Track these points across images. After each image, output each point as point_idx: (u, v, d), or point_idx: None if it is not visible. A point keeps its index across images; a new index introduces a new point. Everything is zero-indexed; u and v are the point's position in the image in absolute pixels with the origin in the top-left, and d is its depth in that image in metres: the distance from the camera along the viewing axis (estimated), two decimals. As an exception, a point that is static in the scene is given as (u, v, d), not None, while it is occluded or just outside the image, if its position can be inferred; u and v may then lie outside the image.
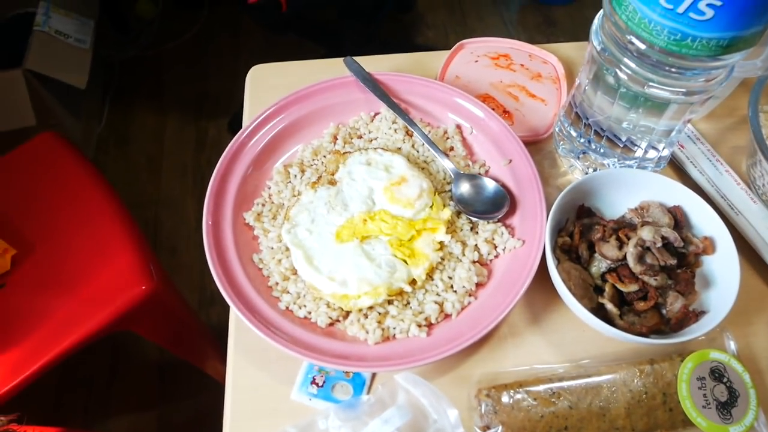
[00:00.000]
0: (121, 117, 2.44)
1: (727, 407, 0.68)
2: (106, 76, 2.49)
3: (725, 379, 0.70)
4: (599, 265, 0.75)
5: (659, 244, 0.71)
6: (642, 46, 0.65)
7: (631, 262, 0.71)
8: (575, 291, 0.72)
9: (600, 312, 0.72)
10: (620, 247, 0.73)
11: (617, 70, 0.70)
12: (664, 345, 0.68)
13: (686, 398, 0.68)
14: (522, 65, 0.94)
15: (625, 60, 0.68)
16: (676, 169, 0.89)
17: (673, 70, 0.66)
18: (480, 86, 0.91)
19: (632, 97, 0.71)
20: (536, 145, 0.88)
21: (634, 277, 0.72)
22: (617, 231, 0.75)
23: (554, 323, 0.76)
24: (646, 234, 0.72)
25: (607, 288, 0.73)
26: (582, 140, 0.81)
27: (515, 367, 0.72)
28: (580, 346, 0.74)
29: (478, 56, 0.95)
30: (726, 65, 0.66)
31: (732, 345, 0.72)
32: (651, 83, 0.68)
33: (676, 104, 0.70)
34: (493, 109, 0.87)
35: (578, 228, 0.76)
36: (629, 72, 0.69)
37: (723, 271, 0.74)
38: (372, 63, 0.95)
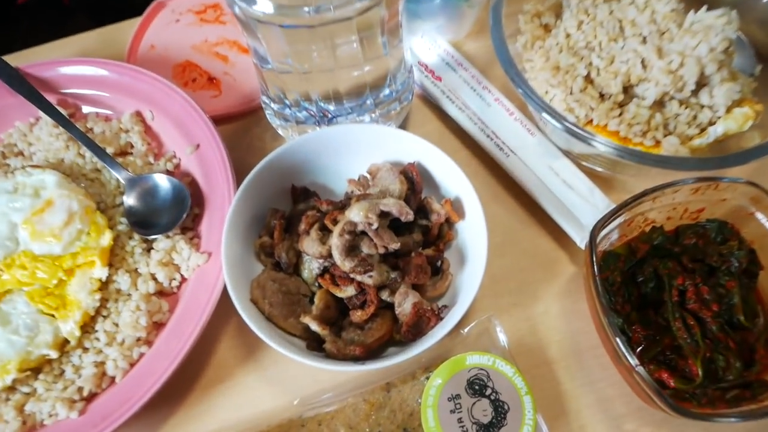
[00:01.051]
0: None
1: (492, 429, 0.49)
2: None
3: (488, 392, 0.50)
4: (310, 267, 0.55)
5: (375, 226, 0.51)
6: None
7: (336, 257, 0.51)
8: (273, 312, 0.52)
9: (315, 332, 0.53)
10: (324, 240, 0.53)
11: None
12: (385, 369, 0.49)
13: (433, 430, 0.49)
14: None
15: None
16: (435, 110, 0.68)
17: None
18: (179, 53, 0.70)
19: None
20: (254, 115, 0.67)
21: (348, 279, 0.52)
22: (324, 217, 0.54)
23: (273, 354, 0.56)
24: (354, 215, 0.52)
25: (317, 299, 0.53)
26: (276, 102, 0.60)
27: (224, 424, 0.53)
28: (308, 378, 0.55)
29: (181, 13, 0.73)
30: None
31: (502, 337, 0.53)
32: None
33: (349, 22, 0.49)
34: (195, 80, 0.67)
35: (279, 223, 0.56)
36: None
37: (473, 241, 0.54)
38: (53, 50, 0.75)
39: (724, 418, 0.45)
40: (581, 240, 0.57)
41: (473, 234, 0.54)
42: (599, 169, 0.60)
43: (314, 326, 0.51)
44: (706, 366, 0.48)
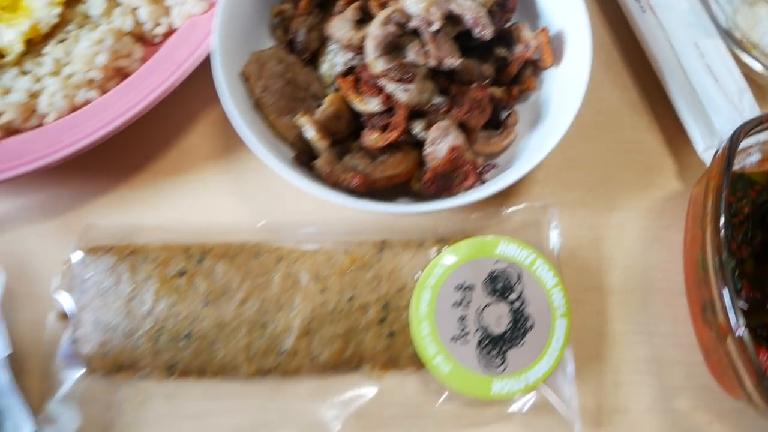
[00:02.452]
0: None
1: (500, 345, 0.36)
2: None
3: (513, 296, 0.36)
4: (334, 61, 0.40)
5: (435, 27, 0.36)
6: None
7: (369, 50, 0.36)
8: (265, 99, 0.38)
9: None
10: (361, 26, 0.38)
11: None
12: (384, 219, 0.35)
13: (423, 319, 0.36)
14: None
15: None
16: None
17: None
18: None
19: None
20: None
21: (380, 89, 0.37)
22: (372, -4, 0.39)
23: (255, 169, 0.42)
24: (412, 4, 0.36)
25: (327, 101, 0.38)
26: None
27: (166, 223, 0.40)
28: (286, 203, 0.41)
29: None
30: None
31: (554, 237, 0.38)
32: None
33: None
34: None
35: (312, -13, 0.40)
36: None
37: (560, 99, 0.38)
38: None
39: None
40: (706, 149, 0.41)
41: (563, 90, 0.38)
42: (762, 69, 0.43)
43: (311, 132, 0.36)
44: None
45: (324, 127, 0.37)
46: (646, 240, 0.41)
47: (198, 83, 0.41)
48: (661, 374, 0.38)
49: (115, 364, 0.37)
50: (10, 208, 0.42)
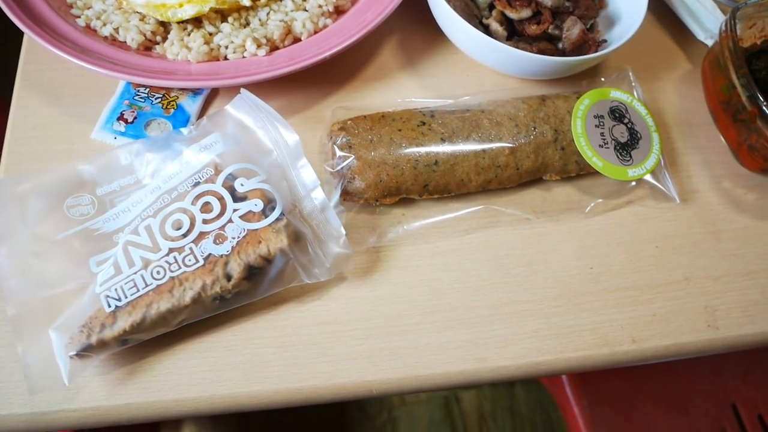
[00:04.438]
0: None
1: (627, 148, 0.57)
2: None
3: (626, 120, 0.58)
4: (488, -9, 0.62)
5: (559, -38, 0.59)
6: None
7: (522, -23, 0.59)
8: (457, 4, 0.58)
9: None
10: (510, -39, 0.60)
11: None
12: (558, 64, 0.56)
13: (581, 135, 0.56)
14: None
15: None
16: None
17: None
18: None
19: None
20: None
21: (527, 1, 0.59)
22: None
23: (433, 66, 0.63)
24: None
25: (495, 13, 0.59)
26: None
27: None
28: (461, 89, 0.61)
29: None
30: None
31: (638, 90, 0.61)
32: None
33: None
34: None
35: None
36: None
37: (629, 5, 0.63)
38: None
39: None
40: (705, 37, 0.66)
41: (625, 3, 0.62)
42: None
43: (494, 25, 0.58)
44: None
45: (501, 23, 0.58)
46: (680, 96, 0.65)
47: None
48: (710, 168, 0.61)
49: (384, 190, 0.53)
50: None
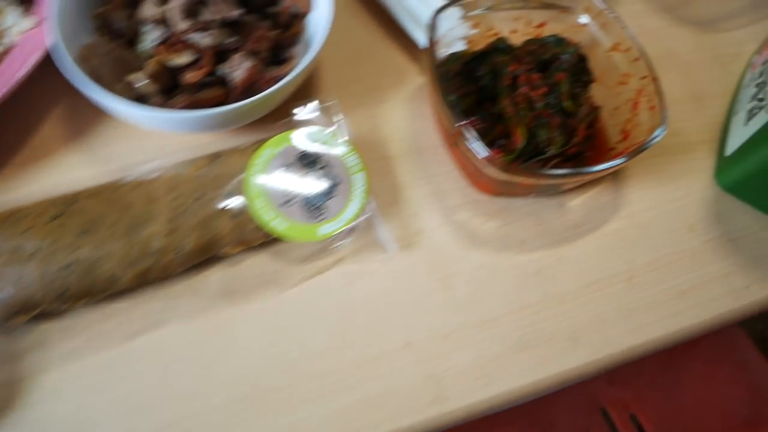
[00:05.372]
0: None
1: (319, 200, 0.48)
2: None
3: (321, 165, 0.49)
4: (149, 38, 0.52)
5: (216, -7, 0.49)
6: None
7: (176, 17, 0.49)
8: (101, 69, 0.49)
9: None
10: (163, 3, 0.51)
11: None
12: (214, 116, 0.46)
13: (258, 196, 0.47)
14: None
15: None
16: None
17: None
18: None
19: None
20: None
21: (188, 43, 0.50)
22: (166, -16, 0.52)
23: (106, 135, 0.53)
24: (195, -19, 0.49)
25: (150, 63, 0.50)
26: None
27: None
28: (139, 156, 0.52)
29: None
30: None
31: (343, 123, 0.52)
32: None
33: None
34: None
35: (121, -11, 0.53)
36: None
37: (318, 22, 0.53)
38: None
39: (546, 176, 0.46)
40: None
41: (319, 26, 0.53)
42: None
43: (142, 81, 0.48)
44: (529, 138, 0.49)
45: (153, 77, 0.48)
46: (409, 117, 0.56)
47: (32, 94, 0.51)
48: (442, 200, 0.52)
49: (11, 307, 0.44)
50: None
